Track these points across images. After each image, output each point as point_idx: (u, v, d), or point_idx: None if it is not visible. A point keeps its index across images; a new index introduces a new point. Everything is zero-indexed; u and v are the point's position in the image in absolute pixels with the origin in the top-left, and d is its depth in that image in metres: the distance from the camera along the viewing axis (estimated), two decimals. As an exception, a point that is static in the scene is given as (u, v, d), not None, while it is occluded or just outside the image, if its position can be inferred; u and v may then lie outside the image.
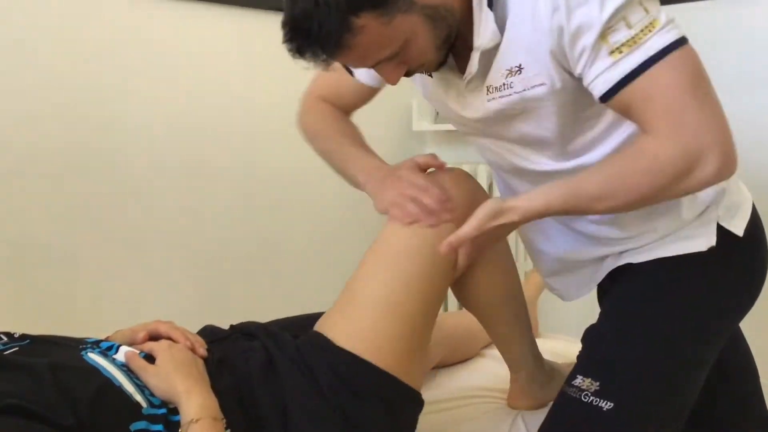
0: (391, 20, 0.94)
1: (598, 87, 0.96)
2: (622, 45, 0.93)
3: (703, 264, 1.15)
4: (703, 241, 1.15)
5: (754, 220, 1.20)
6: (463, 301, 1.34)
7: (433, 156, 1.23)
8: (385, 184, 1.19)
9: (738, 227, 1.16)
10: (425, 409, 1.18)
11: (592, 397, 1.12)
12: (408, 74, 1.06)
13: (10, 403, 0.82)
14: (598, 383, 1.12)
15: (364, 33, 0.94)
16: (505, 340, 1.41)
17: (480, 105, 1.10)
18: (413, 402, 1.15)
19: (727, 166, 0.95)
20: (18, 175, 1.65)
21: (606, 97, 0.97)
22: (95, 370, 0.95)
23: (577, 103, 1.05)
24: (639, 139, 0.99)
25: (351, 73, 1.29)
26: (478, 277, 1.26)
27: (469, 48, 1.04)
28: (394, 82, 1.06)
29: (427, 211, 1.14)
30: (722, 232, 1.15)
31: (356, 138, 1.32)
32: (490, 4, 1.00)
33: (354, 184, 1.27)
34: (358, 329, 1.11)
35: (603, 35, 0.93)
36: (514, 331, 1.38)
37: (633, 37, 0.93)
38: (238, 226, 2.10)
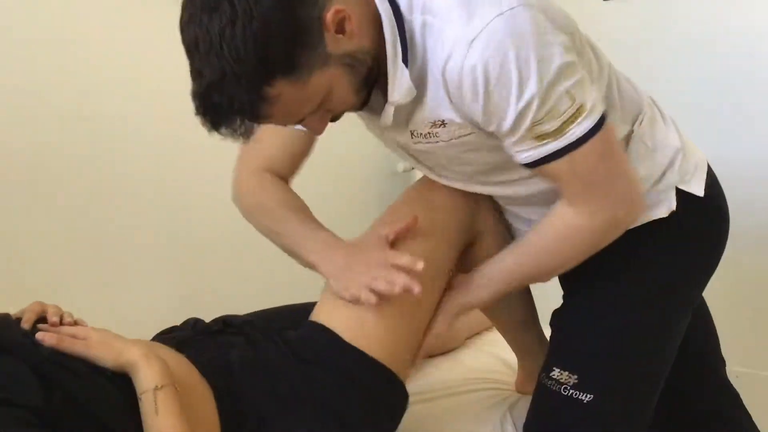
0: (307, 81, 0.88)
1: (520, 157, 1.01)
2: (548, 134, 0.96)
3: (665, 231, 1.16)
4: (664, 207, 1.15)
5: (711, 178, 1.20)
6: None
7: (398, 226, 1.14)
8: (350, 269, 1.10)
9: (697, 188, 1.17)
10: (412, 399, 1.18)
11: (571, 390, 1.14)
12: (334, 119, 1.01)
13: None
14: (576, 376, 1.14)
15: (280, 100, 0.88)
16: (511, 328, 1.42)
17: (406, 141, 1.09)
18: (398, 393, 1.14)
19: (637, 213, 1.09)
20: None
21: (527, 167, 1.02)
22: None
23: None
24: (562, 211, 1.07)
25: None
26: (482, 259, 1.24)
27: (385, 94, 1.00)
28: (320, 132, 1.01)
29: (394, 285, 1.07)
30: (681, 195, 1.15)
31: (302, 211, 1.21)
32: (405, 60, 0.95)
33: (304, 264, 1.17)
34: (362, 323, 1.09)
35: (531, 127, 0.95)
36: (520, 318, 1.39)
37: (557, 128, 0.95)
38: (222, 220, 2.08)
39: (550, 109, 0.93)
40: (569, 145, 0.96)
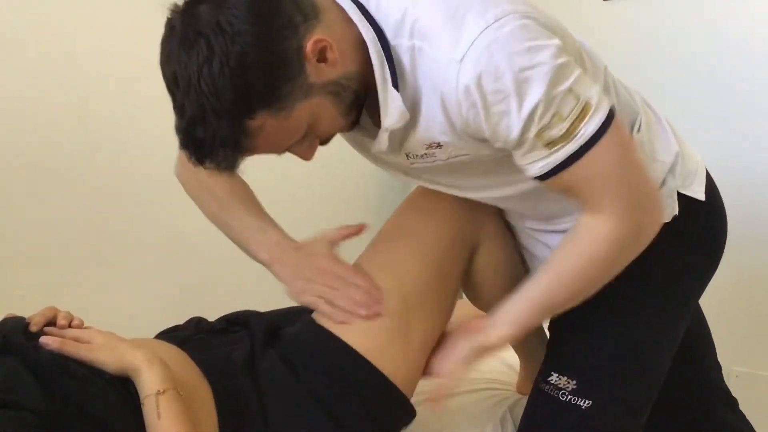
0: (290, 113, 0.87)
1: (533, 170, 0.96)
2: (557, 139, 0.92)
3: (665, 236, 1.12)
4: (666, 211, 1.11)
5: (709, 181, 1.19)
6: (469, 292, 1.33)
7: (343, 230, 1.15)
8: (302, 275, 1.10)
9: (698, 192, 1.15)
10: (412, 399, 1.16)
11: (569, 396, 1.13)
12: (323, 143, 1.00)
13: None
14: (574, 382, 1.13)
15: (263, 132, 0.87)
16: None
17: (401, 162, 1.07)
18: (399, 405, 1.13)
19: (660, 216, 1.04)
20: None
21: (542, 179, 0.97)
22: None
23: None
24: (586, 224, 1.01)
25: None
26: (483, 267, 1.24)
27: (375, 118, 0.99)
28: (309, 159, 0.99)
29: (358, 305, 1.08)
30: (682, 199, 1.14)
31: (250, 201, 1.20)
32: (395, 84, 0.93)
33: (254, 258, 1.17)
34: (362, 326, 1.09)
35: (539, 134, 0.91)
36: None
37: (567, 131, 0.91)
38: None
39: (555, 111, 0.90)
40: (582, 146, 0.92)
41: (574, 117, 0.91)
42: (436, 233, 1.17)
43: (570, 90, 0.90)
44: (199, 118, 0.85)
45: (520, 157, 0.96)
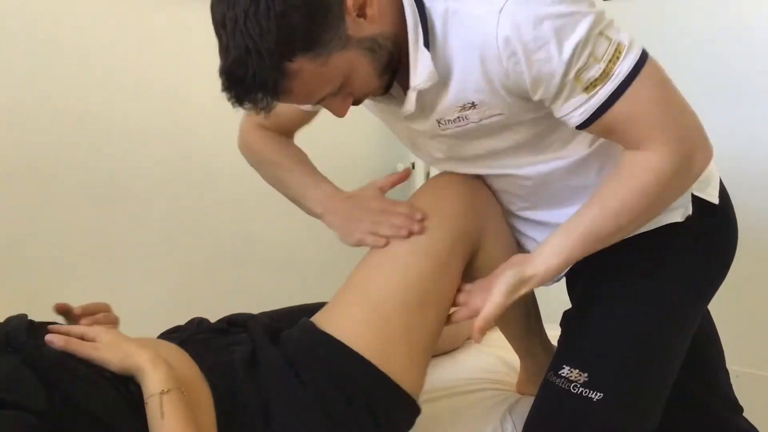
0: (327, 60, 0.92)
1: (574, 119, 1.00)
2: (596, 80, 0.96)
3: (678, 236, 1.17)
4: (680, 211, 1.16)
5: (722, 188, 1.23)
6: None
7: (392, 176, 1.21)
8: (353, 217, 1.18)
9: (713, 195, 1.19)
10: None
11: (581, 389, 1.13)
12: (356, 103, 1.04)
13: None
14: (586, 374, 1.13)
15: (300, 76, 0.92)
16: (513, 329, 1.42)
17: (431, 129, 1.10)
18: (405, 407, 1.12)
19: (707, 154, 1.04)
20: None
21: (584, 126, 1.00)
22: None
23: (544, 112, 1.06)
24: (633, 158, 1.02)
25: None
26: (484, 267, 1.24)
27: (404, 84, 1.03)
28: (341, 115, 1.03)
29: (400, 228, 1.15)
30: (696, 201, 1.16)
31: (305, 163, 1.29)
32: (427, 43, 0.98)
33: (309, 213, 1.26)
34: (363, 327, 1.09)
35: (576, 76, 0.95)
36: (522, 319, 1.39)
37: (603, 71, 0.96)
38: (224, 220, 2.08)
39: (590, 52, 0.94)
40: (620, 85, 0.96)
41: (609, 57, 0.95)
42: (439, 233, 1.17)
43: (601, 33, 0.95)
44: (242, 58, 0.89)
45: (560, 108, 1.00)
